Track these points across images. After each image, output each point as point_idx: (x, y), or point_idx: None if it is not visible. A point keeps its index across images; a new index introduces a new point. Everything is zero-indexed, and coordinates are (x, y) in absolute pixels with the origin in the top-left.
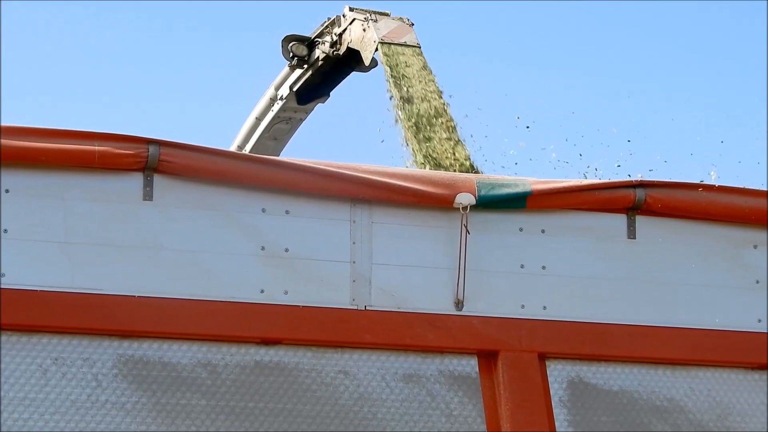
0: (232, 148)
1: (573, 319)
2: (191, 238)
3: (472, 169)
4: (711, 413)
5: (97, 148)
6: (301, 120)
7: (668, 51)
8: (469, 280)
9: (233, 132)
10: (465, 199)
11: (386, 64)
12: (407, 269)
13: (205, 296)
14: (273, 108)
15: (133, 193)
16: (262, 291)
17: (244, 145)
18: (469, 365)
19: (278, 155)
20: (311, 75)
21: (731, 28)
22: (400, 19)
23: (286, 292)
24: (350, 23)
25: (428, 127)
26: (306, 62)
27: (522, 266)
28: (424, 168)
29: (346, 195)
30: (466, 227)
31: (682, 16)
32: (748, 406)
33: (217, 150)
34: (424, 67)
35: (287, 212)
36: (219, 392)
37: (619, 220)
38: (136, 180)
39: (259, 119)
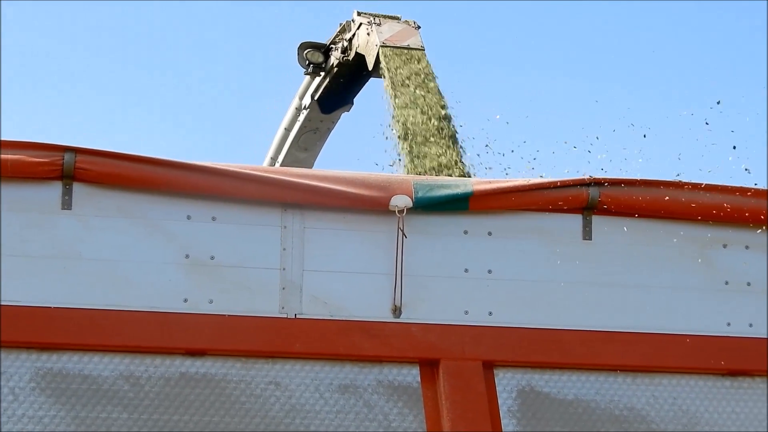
0: (266, 160)
1: (522, 325)
2: (112, 247)
3: (463, 172)
4: (676, 422)
5: (9, 156)
6: (329, 129)
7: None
8: (408, 286)
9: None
10: (400, 201)
11: (385, 68)
12: (341, 275)
13: (125, 306)
14: (299, 118)
15: (51, 203)
16: (185, 300)
17: (277, 157)
18: (411, 375)
19: (311, 166)
20: (329, 82)
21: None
22: (406, 22)
23: (211, 301)
24: (358, 28)
25: (420, 136)
26: (323, 69)
27: (466, 270)
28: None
29: (277, 200)
30: (402, 231)
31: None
32: (718, 415)
33: (138, 156)
34: (426, 69)
35: (214, 219)
36: (142, 405)
37: (574, 221)
38: (54, 189)
39: (288, 130)
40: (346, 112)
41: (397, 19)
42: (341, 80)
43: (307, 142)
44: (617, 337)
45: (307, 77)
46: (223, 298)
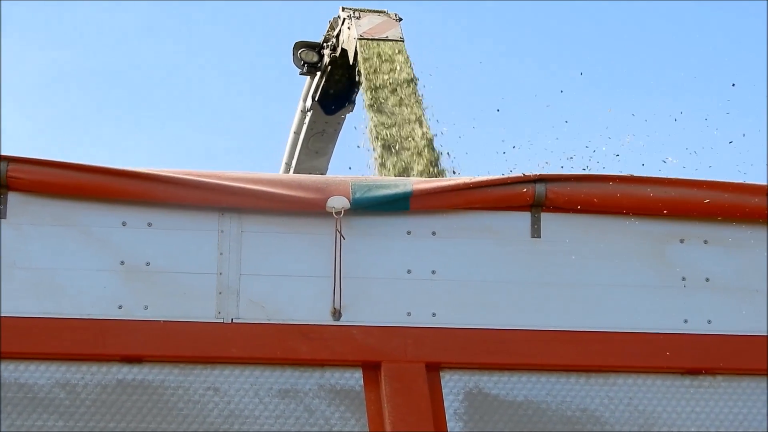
0: (282, 166)
1: (467, 326)
2: (46, 255)
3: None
4: (632, 423)
5: None
6: (335, 131)
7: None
8: (349, 288)
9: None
10: (337, 202)
11: (361, 61)
12: (279, 279)
13: (60, 314)
14: (305, 121)
15: None
16: (120, 307)
17: (291, 161)
18: (353, 378)
19: (325, 170)
20: (326, 82)
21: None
22: (387, 14)
23: (146, 307)
24: (342, 23)
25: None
26: (318, 69)
27: (409, 271)
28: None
29: (214, 204)
30: (340, 232)
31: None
32: (677, 415)
33: (71, 164)
34: (405, 62)
35: (149, 225)
36: (78, 413)
37: (522, 219)
38: None
39: (296, 133)
40: (349, 113)
41: (381, 12)
42: (337, 79)
43: (317, 145)
44: (569, 337)
45: (309, 78)
46: (159, 304)
